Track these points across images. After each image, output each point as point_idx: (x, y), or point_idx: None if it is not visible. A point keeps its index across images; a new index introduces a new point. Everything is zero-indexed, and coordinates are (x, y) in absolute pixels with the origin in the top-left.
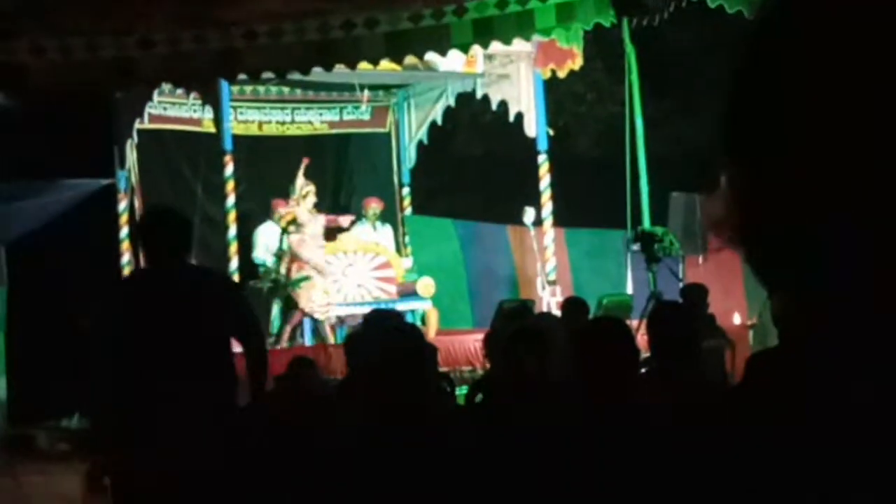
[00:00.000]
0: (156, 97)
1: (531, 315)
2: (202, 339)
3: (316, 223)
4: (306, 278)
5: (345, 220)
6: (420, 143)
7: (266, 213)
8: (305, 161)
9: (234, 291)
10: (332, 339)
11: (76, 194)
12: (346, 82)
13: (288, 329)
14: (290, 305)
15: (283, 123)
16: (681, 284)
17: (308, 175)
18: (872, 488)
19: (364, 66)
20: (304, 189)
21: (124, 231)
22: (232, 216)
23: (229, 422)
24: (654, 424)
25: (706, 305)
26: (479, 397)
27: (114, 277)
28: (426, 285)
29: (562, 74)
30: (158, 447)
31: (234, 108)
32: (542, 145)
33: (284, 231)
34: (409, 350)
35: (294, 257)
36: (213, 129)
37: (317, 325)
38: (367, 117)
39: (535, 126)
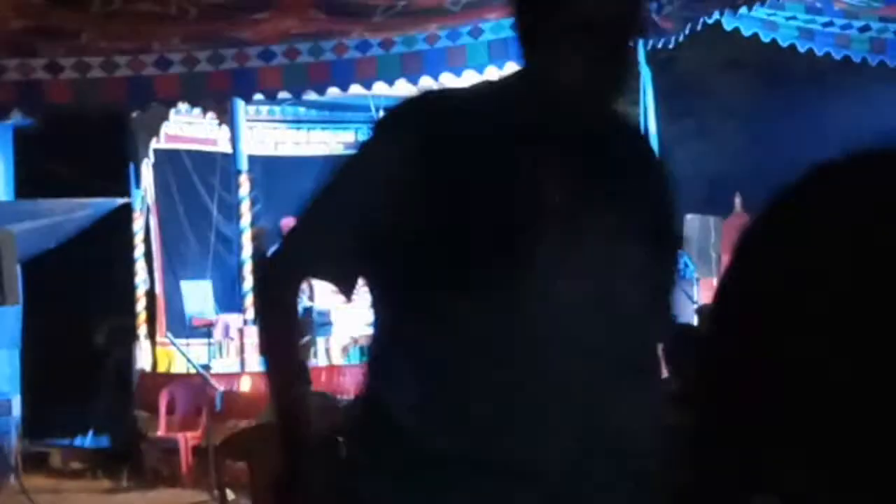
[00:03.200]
0: (172, 116)
1: None
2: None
3: None
4: None
5: None
6: None
7: (280, 233)
8: None
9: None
10: (340, 360)
11: (92, 213)
12: (362, 103)
13: None
14: None
15: (298, 143)
16: (694, 307)
17: None
18: None
19: (380, 86)
20: None
21: (140, 250)
22: (247, 235)
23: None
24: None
25: None
26: None
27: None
28: None
29: None
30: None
31: (250, 127)
32: None
33: None
34: None
35: None
36: (229, 149)
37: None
38: None
39: None
